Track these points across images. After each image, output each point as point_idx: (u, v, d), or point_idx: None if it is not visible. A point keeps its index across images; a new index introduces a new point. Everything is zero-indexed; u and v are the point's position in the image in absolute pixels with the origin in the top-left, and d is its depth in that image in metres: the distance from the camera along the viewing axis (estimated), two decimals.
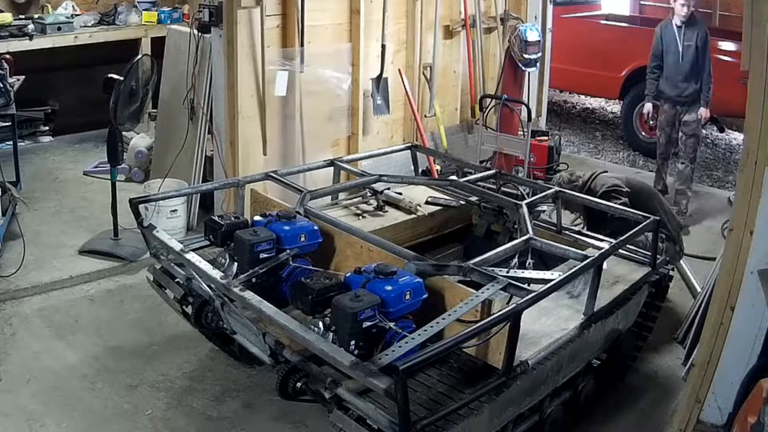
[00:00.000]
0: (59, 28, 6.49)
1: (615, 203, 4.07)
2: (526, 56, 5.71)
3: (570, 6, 8.83)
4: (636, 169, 7.08)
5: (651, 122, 7.62)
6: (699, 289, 4.38)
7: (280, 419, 3.43)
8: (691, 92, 5.81)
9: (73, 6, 6.96)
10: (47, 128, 7.16)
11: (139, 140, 6.29)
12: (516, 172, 5.85)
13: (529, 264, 3.25)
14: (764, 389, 2.36)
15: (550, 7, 7.19)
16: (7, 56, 5.86)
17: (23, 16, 6.57)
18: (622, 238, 3.41)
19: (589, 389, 3.45)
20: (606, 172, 4.66)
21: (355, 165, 4.66)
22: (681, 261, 4.80)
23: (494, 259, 3.09)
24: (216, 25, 4.91)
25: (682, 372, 3.76)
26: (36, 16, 6.63)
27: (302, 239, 3.25)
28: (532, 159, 5.80)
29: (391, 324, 2.71)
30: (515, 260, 3.24)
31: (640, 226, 3.57)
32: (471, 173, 4.50)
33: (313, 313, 2.84)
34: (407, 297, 2.81)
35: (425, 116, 6.17)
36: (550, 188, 4.04)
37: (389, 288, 2.77)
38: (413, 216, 4.06)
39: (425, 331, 2.55)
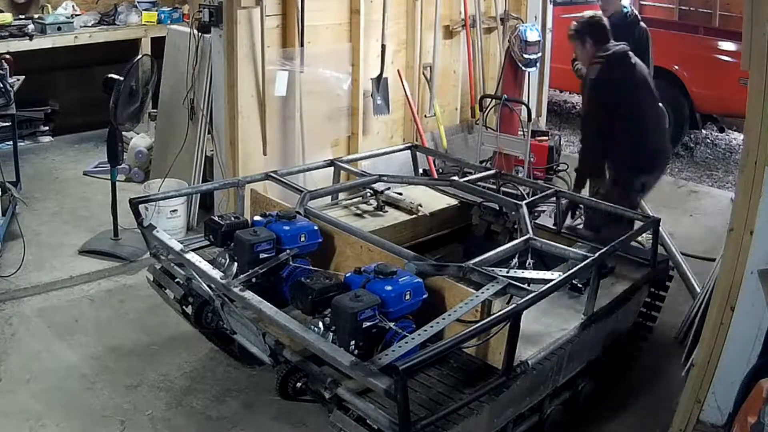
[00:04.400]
0: (59, 28, 6.48)
1: None
2: (526, 56, 5.70)
3: (570, 6, 8.81)
4: None
5: None
6: (699, 289, 4.38)
7: (280, 419, 3.43)
8: None
9: (73, 6, 6.94)
10: (47, 128, 7.15)
11: (139, 140, 6.28)
12: (516, 172, 5.85)
13: (529, 264, 3.24)
14: (764, 389, 2.35)
15: (550, 7, 7.17)
16: (7, 56, 5.85)
17: (23, 16, 6.56)
18: (622, 238, 3.41)
19: (589, 389, 3.45)
20: None
21: (355, 165, 4.65)
22: (681, 261, 4.80)
23: (494, 259, 3.09)
24: (216, 25, 4.91)
25: (682, 372, 3.76)
26: (36, 16, 6.62)
27: (302, 239, 3.25)
28: (532, 159, 5.79)
29: (391, 324, 2.71)
30: (515, 260, 3.24)
31: (641, 225, 3.58)
32: (471, 173, 4.50)
33: (313, 313, 2.84)
34: (407, 297, 2.81)
35: (425, 116, 6.17)
36: (550, 188, 4.04)
37: (389, 288, 2.77)
38: (413, 216, 4.05)
39: (425, 331, 2.55)
